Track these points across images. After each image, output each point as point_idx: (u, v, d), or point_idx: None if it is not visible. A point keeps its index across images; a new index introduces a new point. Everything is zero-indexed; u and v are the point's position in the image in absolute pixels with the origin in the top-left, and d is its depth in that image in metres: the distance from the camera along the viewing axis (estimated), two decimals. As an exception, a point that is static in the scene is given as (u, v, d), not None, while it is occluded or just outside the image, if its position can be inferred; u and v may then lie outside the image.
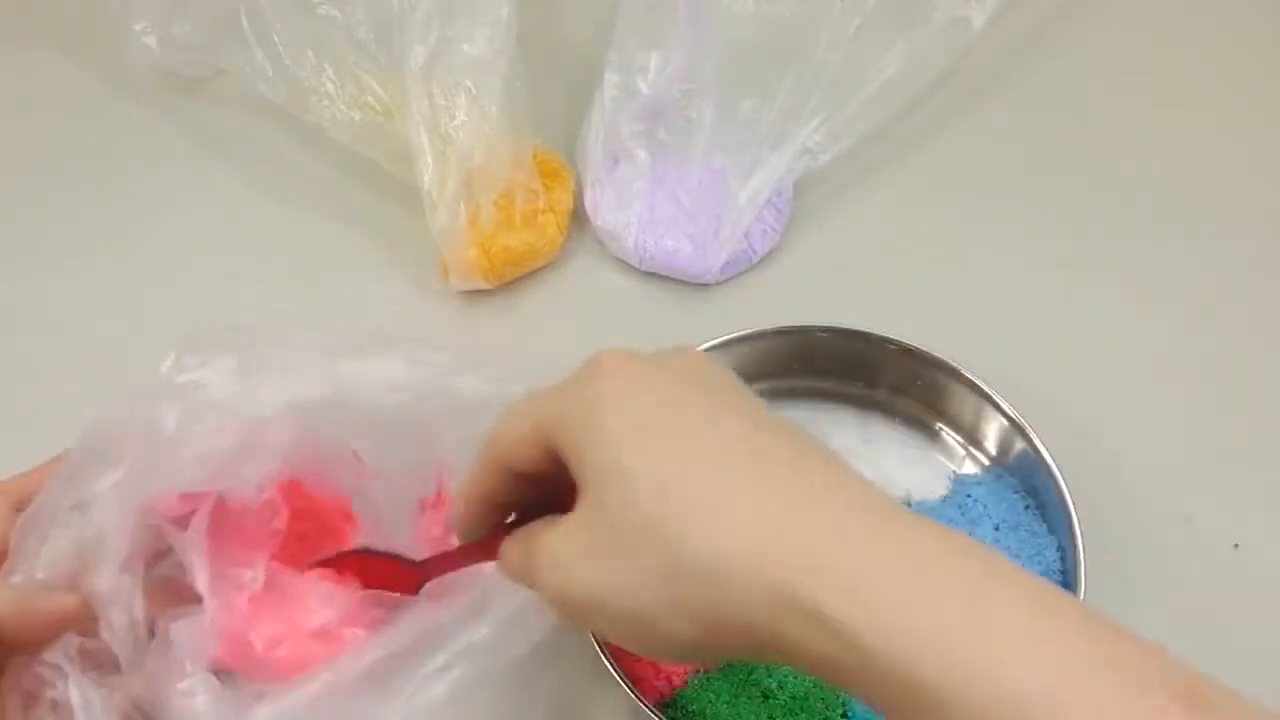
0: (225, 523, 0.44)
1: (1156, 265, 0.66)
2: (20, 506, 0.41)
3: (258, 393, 0.43)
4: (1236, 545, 0.55)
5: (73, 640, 0.40)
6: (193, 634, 0.41)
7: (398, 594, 0.43)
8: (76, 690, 0.39)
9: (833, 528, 0.31)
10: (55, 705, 0.39)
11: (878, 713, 0.31)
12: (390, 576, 0.43)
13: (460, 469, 0.43)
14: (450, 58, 0.62)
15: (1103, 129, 0.72)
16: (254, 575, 0.44)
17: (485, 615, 0.42)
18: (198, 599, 0.42)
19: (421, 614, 0.42)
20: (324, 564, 0.44)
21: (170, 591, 0.43)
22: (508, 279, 0.64)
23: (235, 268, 0.66)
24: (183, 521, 0.42)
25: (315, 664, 0.42)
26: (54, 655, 0.39)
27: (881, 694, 0.30)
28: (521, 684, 0.50)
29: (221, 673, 0.43)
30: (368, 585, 0.44)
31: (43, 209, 0.70)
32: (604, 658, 0.47)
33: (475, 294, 0.64)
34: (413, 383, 0.45)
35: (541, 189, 0.64)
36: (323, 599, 0.44)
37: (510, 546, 0.37)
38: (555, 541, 0.34)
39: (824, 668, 0.30)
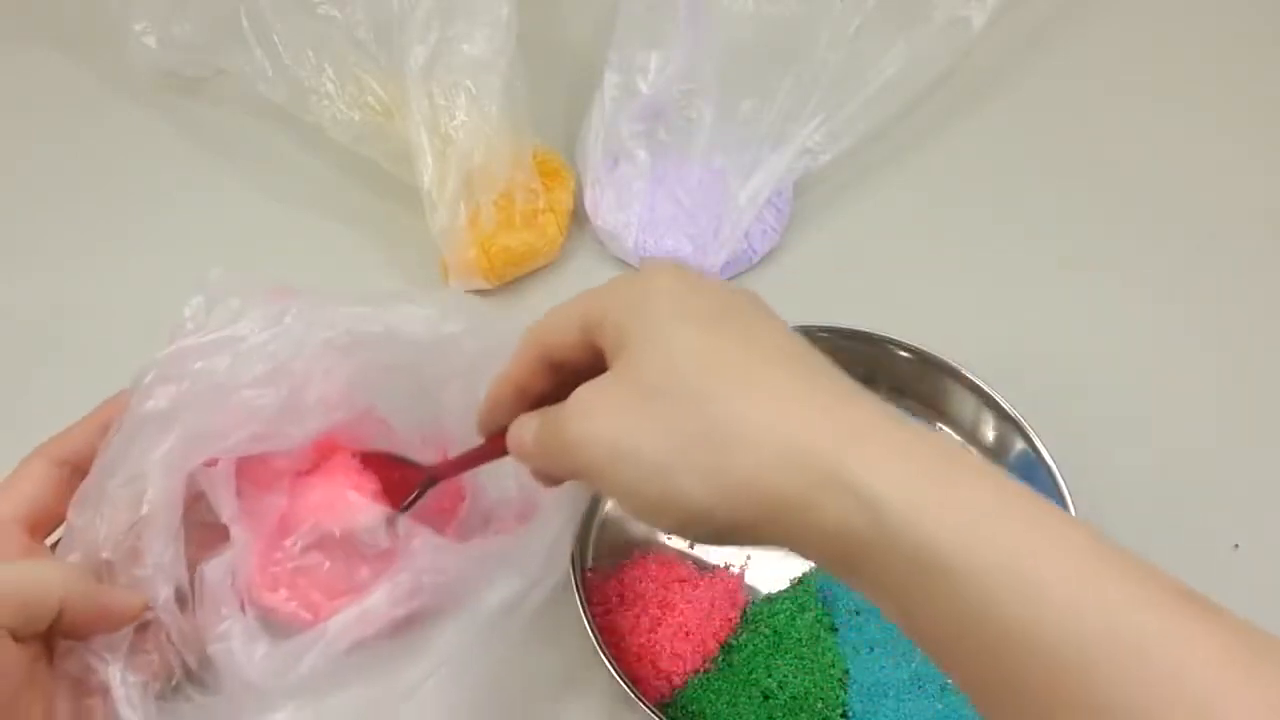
0: (253, 462, 0.44)
1: (1156, 265, 0.66)
2: (64, 463, 0.42)
3: (302, 338, 0.44)
4: (1236, 545, 0.55)
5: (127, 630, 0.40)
6: (223, 571, 0.42)
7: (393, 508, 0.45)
8: (117, 677, 0.39)
9: (865, 415, 0.33)
10: (106, 689, 0.40)
11: (874, 601, 0.32)
12: (397, 478, 0.46)
13: (464, 438, 0.44)
14: (450, 58, 0.62)
15: (1103, 129, 0.72)
16: (278, 501, 0.45)
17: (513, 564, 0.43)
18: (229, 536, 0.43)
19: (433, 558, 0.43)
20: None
21: (209, 534, 0.44)
22: (508, 279, 0.64)
23: (235, 268, 0.66)
24: (213, 461, 0.43)
25: (333, 583, 0.43)
26: (99, 644, 0.40)
27: (888, 567, 0.31)
28: (521, 684, 0.50)
29: (258, 612, 0.43)
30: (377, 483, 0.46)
31: (43, 209, 0.70)
32: (604, 658, 0.47)
33: (475, 294, 0.64)
34: (430, 336, 0.46)
35: (541, 189, 0.64)
36: (349, 506, 0.45)
37: (526, 419, 0.39)
38: (587, 390, 0.36)
39: (835, 539, 0.31)
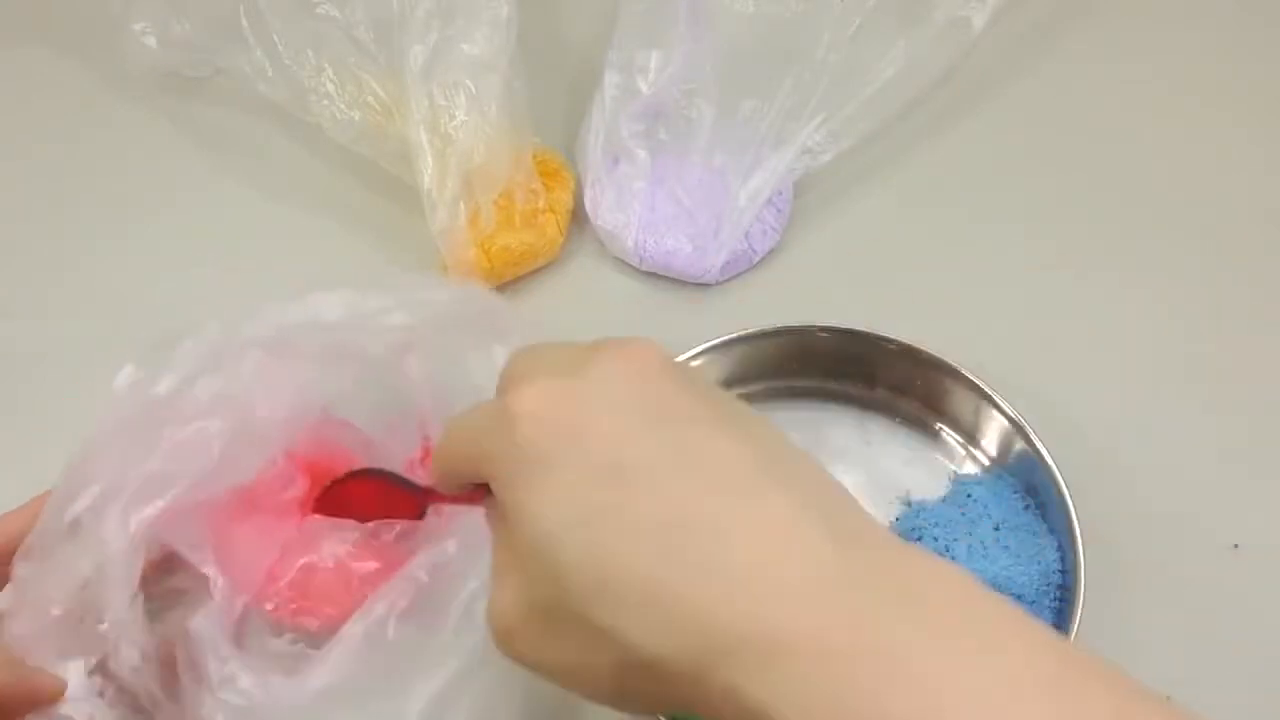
0: (237, 506, 0.43)
1: (1157, 265, 0.66)
2: (7, 545, 0.39)
3: (228, 341, 0.42)
4: (1236, 545, 0.55)
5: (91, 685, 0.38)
6: (212, 621, 0.40)
7: (400, 520, 0.43)
8: None
9: (778, 614, 0.26)
10: None
11: None
12: (394, 499, 0.41)
13: (439, 418, 0.43)
14: (450, 57, 0.62)
15: (1104, 129, 0.72)
16: (271, 549, 0.43)
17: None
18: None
19: (431, 555, 0.42)
20: (328, 491, 0.43)
21: (186, 600, 0.42)
22: (508, 279, 0.64)
23: (234, 268, 0.66)
24: (175, 514, 0.41)
25: (332, 598, 0.42)
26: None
27: None
28: (520, 682, 0.50)
29: (247, 619, 0.42)
30: (370, 514, 0.43)
31: (42, 209, 0.70)
32: (604, 658, 0.46)
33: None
34: (352, 315, 0.44)
35: (541, 189, 0.64)
36: (332, 535, 0.44)
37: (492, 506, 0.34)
38: (497, 608, 0.31)
39: None
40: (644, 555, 0.27)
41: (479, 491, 0.34)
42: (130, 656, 0.38)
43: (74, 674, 0.38)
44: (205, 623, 0.39)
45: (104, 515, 0.39)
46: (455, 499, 0.38)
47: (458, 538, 0.42)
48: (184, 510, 0.41)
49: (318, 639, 0.42)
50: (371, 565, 0.44)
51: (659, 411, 0.29)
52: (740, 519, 0.27)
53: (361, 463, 0.46)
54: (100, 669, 0.38)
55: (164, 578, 0.42)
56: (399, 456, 0.48)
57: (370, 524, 0.44)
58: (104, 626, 0.38)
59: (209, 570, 0.41)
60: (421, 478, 0.47)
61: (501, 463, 0.30)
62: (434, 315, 0.44)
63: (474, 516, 0.41)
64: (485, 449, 0.31)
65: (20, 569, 0.39)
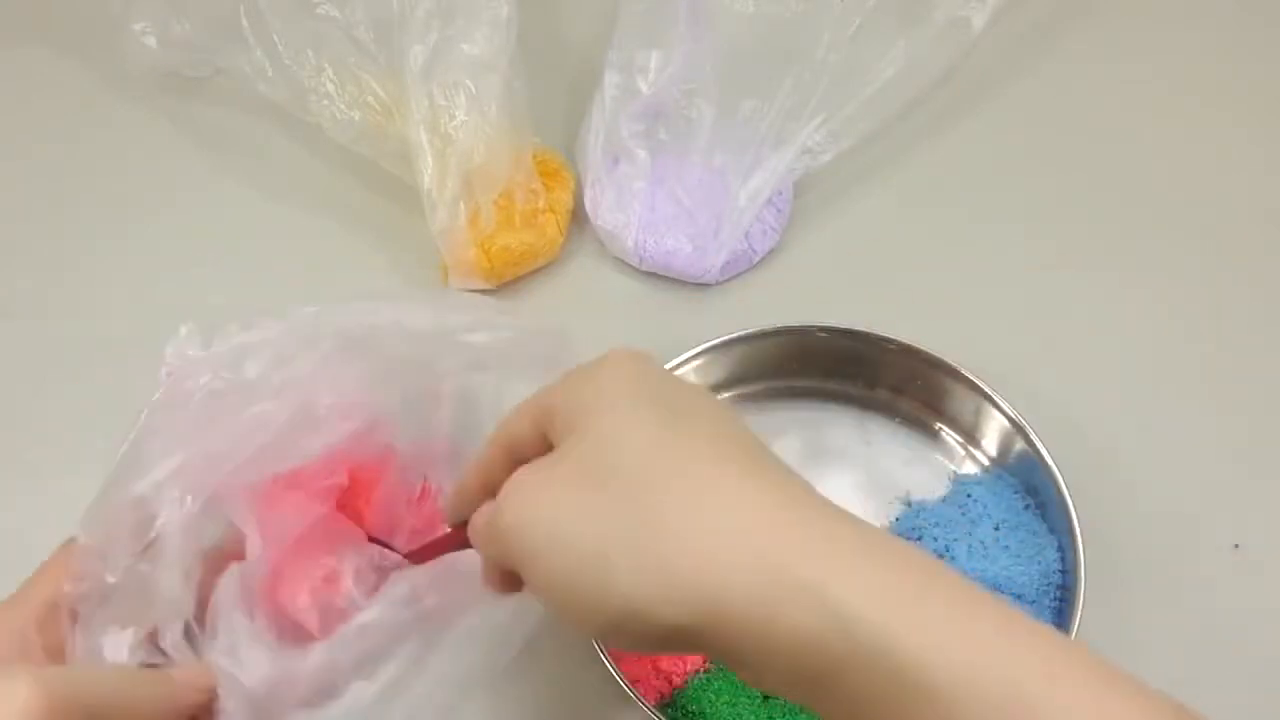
0: (278, 482, 0.43)
1: (1157, 264, 0.66)
2: (39, 613, 0.38)
3: (312, 334, 0.43)
4: (1236, 545, 0.55)
5: None
6: (234, 583, 0.40)
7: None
8: None
9: (829, 518, 0.31)
10: None
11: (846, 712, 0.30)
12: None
13: (449, 462, 0.43)
14: (450, 57, 0.62)
15: (1103, 129, 0.72)
16: (301, 519, 0.43)
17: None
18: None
19: (436, 566, 0.42)
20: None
21: (224, 563, 0.42)
22: (508, 279, 0.64)
23: (234, 268, 0.66)
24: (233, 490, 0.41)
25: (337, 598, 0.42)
26: None
27: (862, 680, 0.29)
28: (520, 683, 0.50)
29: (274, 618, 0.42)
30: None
31: (42, 208, 0.70)
32: (603, 657, 0.47)
33: (475, 294, 0.64)
34: (436, 327, 0.44)
35: (541, 189, 0.64)
36: (350, 543, 0.44)
37: (485, 507, 0.37)
38: (524, 471, 0.34)
39: (798, 651, 0.29)
40: (695, 448, 0.32)
41: (460, 532, 0.38)
42: (174, 630, 0.38)
43: (124, 643, 0.38)
44: (230, 582, 0.40)
45: (163, 491, 0.39)
46: (442, 550, 0.41)
47: (466, 556, 0.42)
48: (237, 486, 0.41)
49: (316, 630, 0.42)
50: (377, 580, 0.44)
51: (718, 404, 0.36)
52: (754, 487, 0.32)
53: (391, 476, 0.47)
54: (151, 639, 0.39)
55: (220, 539, 0.42)
56: (408, 488, 0.48)
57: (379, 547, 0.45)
58: (154, 603, 0.38)
59: (249, 530, 0.41)
60: (416, 515, 0.48)
61: (582, 398, 0.34)
62: (502, 337, 0.44)
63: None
64: (568, 391, 0.35)
65: (84, 534, 0.39)
